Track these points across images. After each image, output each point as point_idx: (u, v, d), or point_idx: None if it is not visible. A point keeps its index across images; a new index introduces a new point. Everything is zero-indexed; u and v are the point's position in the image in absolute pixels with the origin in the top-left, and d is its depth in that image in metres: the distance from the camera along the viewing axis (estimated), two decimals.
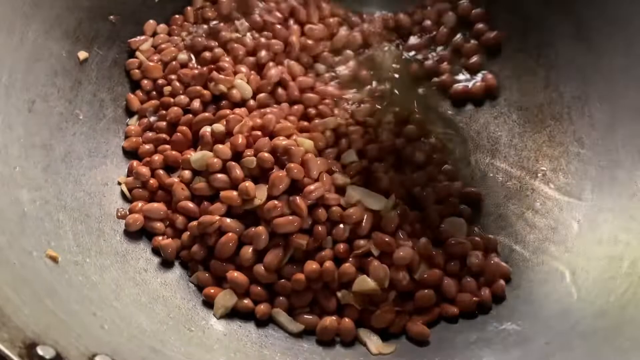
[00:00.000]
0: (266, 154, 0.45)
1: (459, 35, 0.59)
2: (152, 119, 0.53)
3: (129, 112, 0.54)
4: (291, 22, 0.58)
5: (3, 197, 0.41)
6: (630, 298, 0.39)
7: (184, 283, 0.46)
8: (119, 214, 0.48)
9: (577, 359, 0.37)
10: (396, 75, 0.57)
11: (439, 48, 0.59)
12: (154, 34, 0.57)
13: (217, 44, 0.56)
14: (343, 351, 0.43)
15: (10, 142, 0.44)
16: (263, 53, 0.54)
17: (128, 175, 0.50)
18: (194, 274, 0.46)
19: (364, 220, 0.45)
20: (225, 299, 0.44)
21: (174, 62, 0.55)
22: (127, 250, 0.46)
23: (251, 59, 0.55)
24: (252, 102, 0.52)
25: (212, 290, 0.44)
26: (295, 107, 0.52)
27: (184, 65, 0.55)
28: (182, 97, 0.52)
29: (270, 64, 0.54)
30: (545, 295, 0.44)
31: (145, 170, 0.49)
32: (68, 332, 0.34)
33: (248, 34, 0.56)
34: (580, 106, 0.52)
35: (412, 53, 0.59)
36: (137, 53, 0.55)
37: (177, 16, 0.59)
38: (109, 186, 0.49)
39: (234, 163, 0.46)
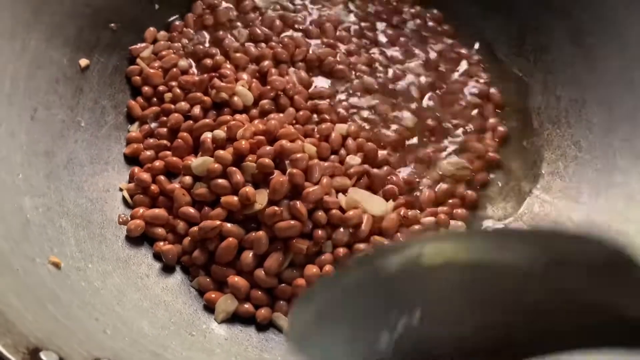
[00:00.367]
0: (266, 160, 0.45)
1: None
2: (153, 125, 0.53)
3: (130, 119, 0.54)
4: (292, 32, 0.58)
5: (6, 204, 0.41)
6: None
7: (185, 288, 0.46)
8: (121, 220, 0.48)
9: None
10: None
11: None
12: (155, 41, 0.57)
13: (218, 51, 0.56)
14: None
15: (13, 150, 0.44)
16: (266, 63, 0.54)
17: (129, 182, 0.50)
18: (195, 279, 0.46)
19: (364, 224, 0.45)
20: (226, 303, 0.44)
21: (174, 69, 0.55)
22: (128, 256, 0.46)
23: (253, 66, 0.55)
24: (253, 110, 0.52)
25: (213, 295, 0.44)
26: (300, 112, 0.52)
27: (184, 72, 0.55)
28: (182, 103, 0.52)
29: (273, 70, 0.54)
30: None
31: (146, 176, 0.49)
32: (71, 337, 0.35)
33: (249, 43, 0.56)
34: (578, 110, 0.52)
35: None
36: (138, 60, 0.56)
37: (177, 23, 0.59)
38: (111, 192, 0.49)
39: (234, 168, 0.46)
